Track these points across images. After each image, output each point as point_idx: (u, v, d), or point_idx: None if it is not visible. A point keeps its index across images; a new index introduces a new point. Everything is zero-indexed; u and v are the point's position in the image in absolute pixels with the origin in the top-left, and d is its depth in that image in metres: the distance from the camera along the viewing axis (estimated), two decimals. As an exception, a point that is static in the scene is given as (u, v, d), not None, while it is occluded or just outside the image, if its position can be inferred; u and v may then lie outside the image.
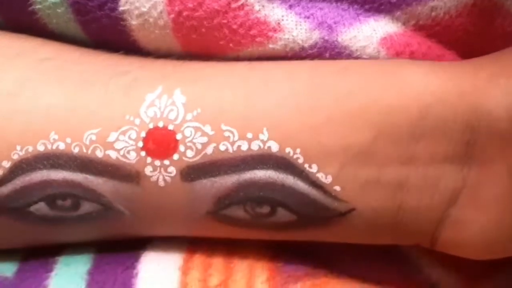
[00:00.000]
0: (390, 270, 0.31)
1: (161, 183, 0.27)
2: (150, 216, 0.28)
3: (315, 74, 0.28)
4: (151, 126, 0.27)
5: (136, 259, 0.29)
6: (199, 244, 0.30)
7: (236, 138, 0.27)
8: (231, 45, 0.29)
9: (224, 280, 0.29)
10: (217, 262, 0.29)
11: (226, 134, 0.27)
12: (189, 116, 0.27)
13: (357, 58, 0.29)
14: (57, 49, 0.30)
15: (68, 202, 0.28)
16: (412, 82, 0.27)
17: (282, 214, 0.27)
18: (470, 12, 0.29)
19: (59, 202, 0.28)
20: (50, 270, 0.30)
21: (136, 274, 0.29)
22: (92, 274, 0.29)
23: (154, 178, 0.27)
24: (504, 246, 0.28)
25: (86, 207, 0.28)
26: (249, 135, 0.27)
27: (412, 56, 0.29)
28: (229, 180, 0.27)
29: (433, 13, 0.29)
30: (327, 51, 0.29)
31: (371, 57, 0.29)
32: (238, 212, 0.28)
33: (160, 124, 0.27)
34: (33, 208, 0.28)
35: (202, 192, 0.27)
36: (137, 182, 0.27)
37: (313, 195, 0.27)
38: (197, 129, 0.27)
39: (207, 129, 0.27)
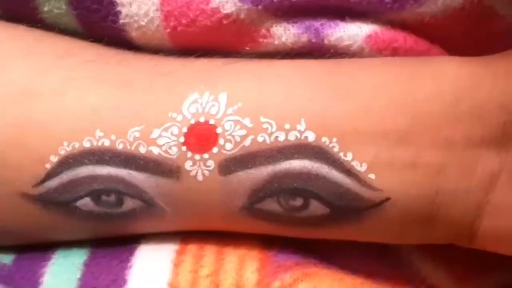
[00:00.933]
0: (380, 263, 0.31)
1: (200, 177, 0.28)
2: (187, 212, 0.29)
3: (353, 68, 0.28)
4: (192, 121, 0.27)
5: (131, 253, 0.30)
6: (192, 237, 0.30)
7: (274, 129, 0.27)
8: (225, 48, 0.30)
9: (214, 270, 0.29)
10: (209, 254, 0.30)
11: (265, 126, 0.27)
12: (229, 111, 0.27)
13: (342, 56, 0.29)
14: (99, 52, 0.30)
15: (112, 198, 0.28)
16: (445, 70, 0.27)
17: (315, 207, 0.27)
18: (458, 16, 0.29)
19: (104, 197, 0.28)
20: (48, 259, 0.31)
21: (130, 267, 0.30)
22: (88, 265, 0.30)
23: (193, 173, 0.28)
24: None
25: (130, 203, 0.28)
26: (287, 126, 0.27)
27: (395, 52, 0.29)
28: (264, 171, 0.27)
29: (419, 17, 0.29)
30: (313, 51, 0.29)
31: (355, 55, 0.29)
32: (272, 205, 0.28)
33: (202, 119, 0.27)
34: (79, 203, 0.29)
35: (237, 185, 0.28)
36: (177, 177, 0.28)
37: (347, 185, 0.27)
38: (236, 122, 0.27)
39: (247, 121, 0.27)
